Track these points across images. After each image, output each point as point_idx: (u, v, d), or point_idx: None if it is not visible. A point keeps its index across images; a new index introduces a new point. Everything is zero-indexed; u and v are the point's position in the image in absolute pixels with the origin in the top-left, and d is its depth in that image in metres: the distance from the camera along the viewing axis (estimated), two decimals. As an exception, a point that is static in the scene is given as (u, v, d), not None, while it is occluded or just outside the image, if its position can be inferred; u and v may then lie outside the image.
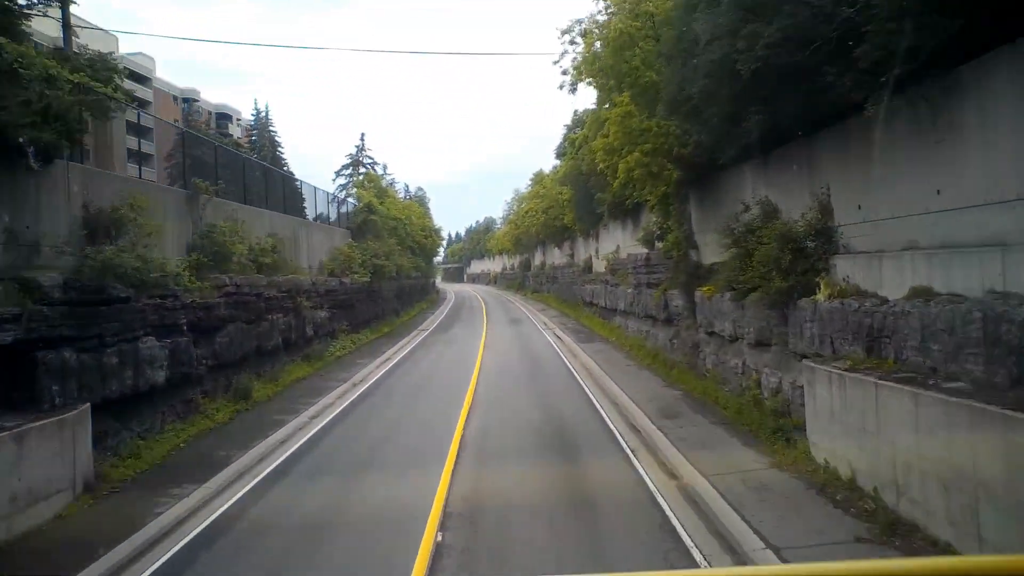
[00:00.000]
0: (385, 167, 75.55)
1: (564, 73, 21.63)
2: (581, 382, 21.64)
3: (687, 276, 21.96)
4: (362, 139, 64.04)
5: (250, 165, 35.02)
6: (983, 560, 1.94)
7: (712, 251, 21.22)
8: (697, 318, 20.77)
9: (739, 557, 8.86)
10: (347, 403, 20.27)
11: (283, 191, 35.58)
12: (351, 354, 31.29)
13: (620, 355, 26.95)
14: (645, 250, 28.80)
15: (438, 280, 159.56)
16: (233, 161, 27.75)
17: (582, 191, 39.74)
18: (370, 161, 63.09)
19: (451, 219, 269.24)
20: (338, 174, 53.92)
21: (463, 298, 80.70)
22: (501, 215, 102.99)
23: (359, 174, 49.23)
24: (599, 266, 43.27)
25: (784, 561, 8.43)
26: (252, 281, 21.92)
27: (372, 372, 25.96)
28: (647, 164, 19.86)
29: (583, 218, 42.51)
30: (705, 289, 19.46)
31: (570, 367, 24.69)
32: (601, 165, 24.52)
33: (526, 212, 66.08)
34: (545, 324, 42.63)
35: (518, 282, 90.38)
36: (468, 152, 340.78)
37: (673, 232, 23.39)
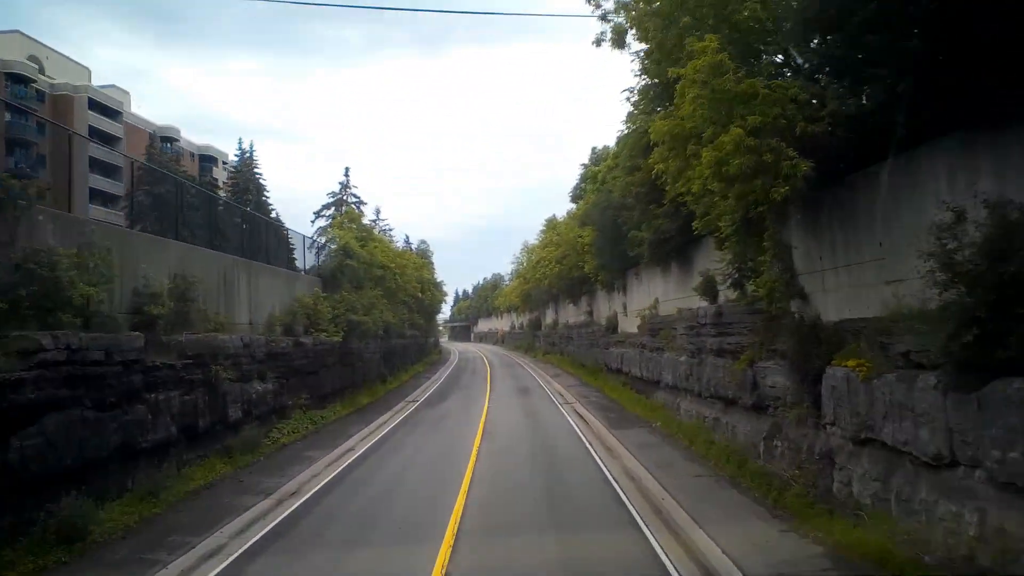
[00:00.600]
0: (378, 211, 68.29)
1: (603, 18, 14.10)
2: (632, 510, 13.36)
3: (798, 340, 13.94)
4: (346, 175, 56.83)
5: (202, 197, 27.83)
6: None
7: (843, 300, 13.30)
8: (824, 410, 12.67)
9: None
10: (252, 542, 12.20)
11: (251, 233, 28.18)
12: (303, 440, 23.11)
13: (677, 454, 18.63)
14: (705, 302, 20.86)
15: (444, 338, 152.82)
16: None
17: (608, 230, 31.99)
18: (355, 200, 55.97)
19: (459, 276, 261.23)
20: (318, 215, 46.82)
21: (466, 360, 72.47)
22: (510, 270, 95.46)
23: (341, 214, 42.02)
24: (628, 325, 35.22)
25: None
26: (114, 342, 13.99)
27: (318, 475, 17.81)
28: (754, 148, 11.93)
29: (607, 265, 34.66)
30: (852, 364, 11.41)
31: (608, 476, 16.42)
32: (659, 166, 16.77)
33: (537, 263, 58.37)
34: (561, 396, 34.36)
35: (527, 342, 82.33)
36: (482, 205, 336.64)
37: (766, 273, 15.48)
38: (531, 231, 76.98)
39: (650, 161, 18.58)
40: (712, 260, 21.69)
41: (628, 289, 35.20)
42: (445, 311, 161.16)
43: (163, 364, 15.96)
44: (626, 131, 28.50)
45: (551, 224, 58.28)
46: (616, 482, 15.75)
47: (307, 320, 28.86)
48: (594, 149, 50.95)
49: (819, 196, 13.96)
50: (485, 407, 30.37)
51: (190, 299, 18.75)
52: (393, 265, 43.76)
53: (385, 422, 27.25)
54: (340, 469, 18.67)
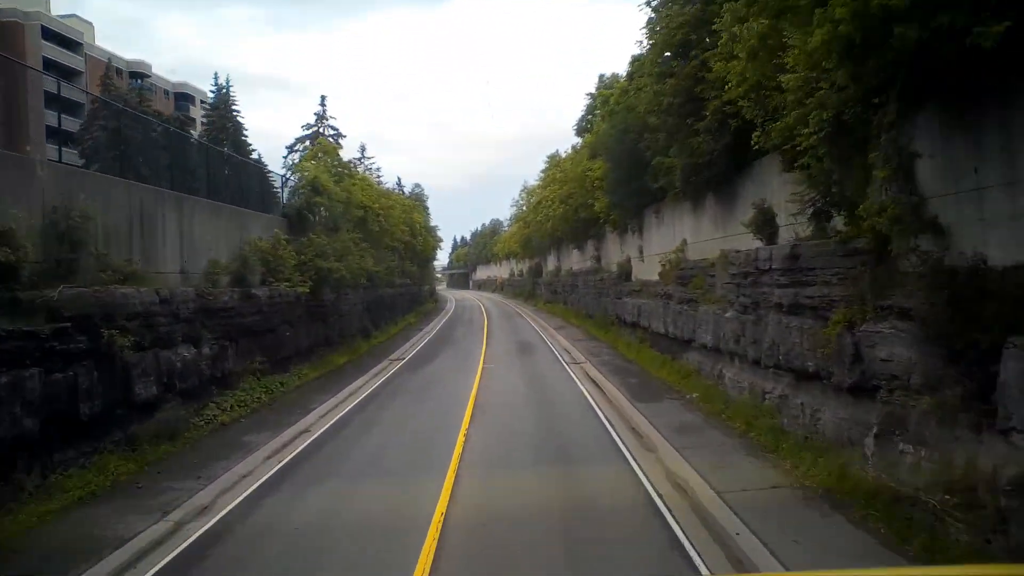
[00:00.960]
0: (363, 149, 62.40)
1: None
2: (701, 564, 8.75)
3: (941, 295, 9.12)
4: (322, 104, 50.34)
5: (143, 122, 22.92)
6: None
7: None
8: (1007, 408, 7.94)
9: None
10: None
11: (191, 163, 23.19)
12: (249, 417, 18.54)
13: (733, 444, 13.88)
14: (759, 242, 16.01)
15: (442, 286, 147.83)
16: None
17: (625, 160, 26.87)
18: (333, 133, 50.30)
19: (460, 225, 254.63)
20: (291, 150, 41.23)
21: (463, 309, 67.90)
22: (509, 215, 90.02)
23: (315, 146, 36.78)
24: (644, 271, 30.39)
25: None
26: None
27: (250, 474, 13.26)
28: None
29: (622, 203, 29.58)
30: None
31: (644, 482, 11.80)
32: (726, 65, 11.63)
33: (538, 203, 53.06)
34: (568, 353, 29.73)
35: (528, 290, 77.63)
36: (482, 152, 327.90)
37: (873, 197, 10.58)
38: (532, 176, 71.61)
39: (722, 27, 13.53)
40: (769, 189, 16.75)
41: (645, 230, 30.23)
42: (442, 259, 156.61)
43: (10, 332, 11.15)
44: (646, 44, 23.18)
45: (554, 161, 52.74)
46: (657, 493, 11.11)
47: (264, 268, 24.03)
48: (602, 77, 45.38)
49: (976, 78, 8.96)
50: (479, 370, 25.71)
51: (78, 242, 13.95)
52: (376, 206, 38.61)
53: (357, 389, 22.62)
54: (282, 465, 14.08)
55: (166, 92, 72.56)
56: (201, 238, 20.24)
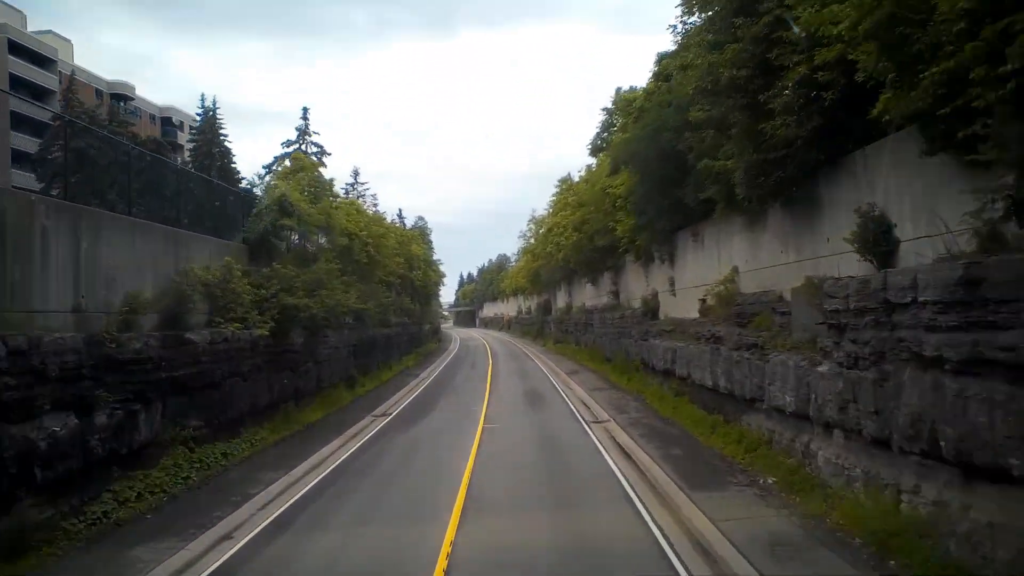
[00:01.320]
0: (356, 174, 57.17)
1: None
2: None
3: None
4: (305, 117, 44.76)
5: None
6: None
7: None
8: None
9: None
10: None
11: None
12: (156, 514, 13.57)
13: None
14: (868, 263, 11.11)
15: (448, 324, 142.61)
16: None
17: (656, 169, 22.03)
18: (317, 151, 45.69)
19: (467, 263, 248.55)
20: (269, 169, 36.56)
21: (467, 350, 62.82)
22: (516, 249, 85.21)
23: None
24: (676, 307, 25.49)
25: None
26: None
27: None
28: None
29: (651, 223, 24.64)
30: None
31: None
32: None
33: (550, 230, 48.19)
34: (586, 407, 24.64)
35: (536, 328, 72.67)
36: (491, 189, 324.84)
37: None
38: (541, 207, 67.24)
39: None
40: (881, 189, 11.91)
41: (678, 258, 25.34)
42: (448, 295, 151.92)
43: None
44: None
45: (566, 184, 47.95)
46: None
47: (210, 305, 19.26)
48: (619, 90, 40.84)
49: None
50: (478, 433, 20.62)
51: None
52: (364, 233, 33.83)
53: (322, 462, 17.59)
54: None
55: (152, 117, 68.65)
56: (113, 265, 15.43)
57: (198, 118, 57.97)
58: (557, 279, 57.07)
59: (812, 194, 14.18)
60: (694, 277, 23.45)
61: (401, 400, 29.25)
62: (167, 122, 70.17)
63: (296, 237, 28.27)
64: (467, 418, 23.59)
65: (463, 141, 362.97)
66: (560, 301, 61.39)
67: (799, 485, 12.43)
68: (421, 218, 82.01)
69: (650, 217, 24.03)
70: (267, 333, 20.92)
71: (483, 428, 21.32)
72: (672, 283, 26.10)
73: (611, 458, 16.55)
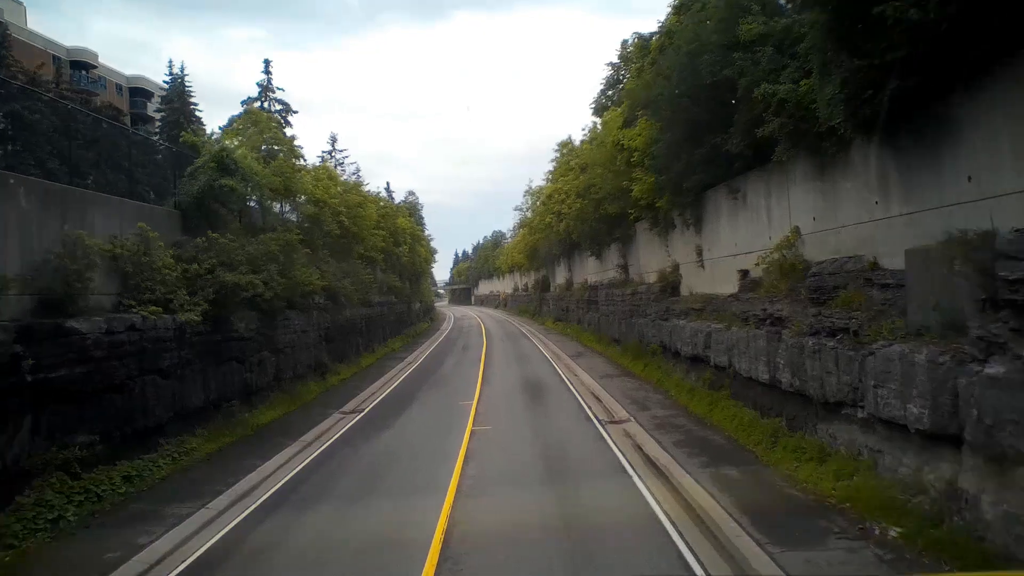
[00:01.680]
0: (333, 140, 52.92)
1: None
2: None
3: None
4: (267, 71, 39.23)
5: None
6: None
7: None
8: None
9: None
10: None
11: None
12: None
13: None
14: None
15: (443, 303, 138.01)
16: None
17: (693, 108, 17.55)
18: (281, 108, 40.75)
19: (461, 239, 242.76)
20: (225, 129, 31.90)
21: (460, 330, 58.47)
22: (513, 225, 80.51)
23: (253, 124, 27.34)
24: (707, 281, 21.14)
25: None
26: None
27: None
28: None
29: (676, 180, 20.14)
30: None
31: None
32: None
33: (549, 197, 43.49)
34: (600, 402, 20.36)
35: (534, 306, 68.41)
36: (486, 168, 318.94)
37: None
38: (538, 178, 62.34)
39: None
40: None
41: (707, 222, 20.94)
42: (442, 273, 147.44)
43: None
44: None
45: (567, 148, 43.22)
46: None
47: (121, 283, 14.88)
48: (625, 43, 36.14)
49: None
50: (465, 438, 16.36)
51: None
52: (336, 201, 29.26)
53: (261, 482, 13.38)
54: None
55: (118, 87, 63.52)
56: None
57: (163, 82, 52.97)
58: (556, 254, 52.61)
59: (942, 116, 9.75)
60: (731, 244, 19.07)
61: (378, 392, 24.92)
62: (137, 92, 64.97)
63: (254, 204, 23.85)
64: (454, 417, 19.30)
65: (464, 124, 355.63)
66: (559, 277, 57.00)
67: (946, 544, 8.15)
68: (411, 193, 77.85)
69: (676, 171, 19.52)
70: (198, 318, 16.56)
71: (471, 432, 17.04)
72: (699, 252, 21.69)
73: (643, 482, 12.28)
